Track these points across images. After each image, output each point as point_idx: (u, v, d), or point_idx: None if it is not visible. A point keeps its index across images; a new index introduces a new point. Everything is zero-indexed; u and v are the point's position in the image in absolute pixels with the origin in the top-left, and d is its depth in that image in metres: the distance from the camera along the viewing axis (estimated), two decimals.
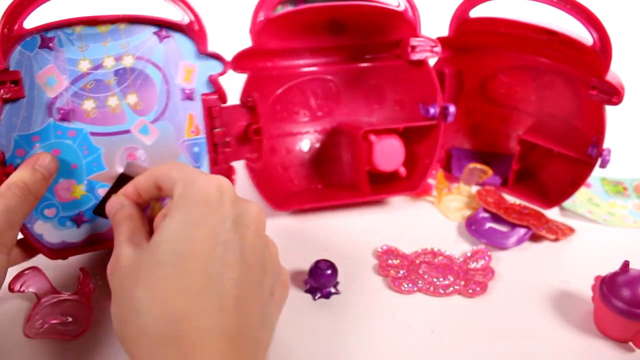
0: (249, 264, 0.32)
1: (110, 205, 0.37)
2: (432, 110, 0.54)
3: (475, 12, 0.57)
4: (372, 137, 0.54)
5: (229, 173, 0.49)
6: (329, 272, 0.44)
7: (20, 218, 0.37)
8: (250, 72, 0.50)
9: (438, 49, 0.54)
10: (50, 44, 0.40)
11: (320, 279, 0.44)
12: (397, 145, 0.55)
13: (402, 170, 0.56)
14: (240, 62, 0.49)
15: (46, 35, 0.39)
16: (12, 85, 0.38)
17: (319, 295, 0.44)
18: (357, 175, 0.56)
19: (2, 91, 0.38)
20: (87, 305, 0.42)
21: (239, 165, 0.51)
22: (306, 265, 0.46)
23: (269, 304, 0.33)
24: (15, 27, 0.38)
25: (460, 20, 0.57)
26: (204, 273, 0.30)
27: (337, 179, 0.59)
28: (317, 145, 0.59)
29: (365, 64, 0.57)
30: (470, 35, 0.58)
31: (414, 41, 0.53)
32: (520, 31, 0.56)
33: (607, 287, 0.41)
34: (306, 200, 0.56)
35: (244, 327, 0.30)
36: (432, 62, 0.60)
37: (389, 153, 0.55)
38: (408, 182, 0.57)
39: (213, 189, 0.33)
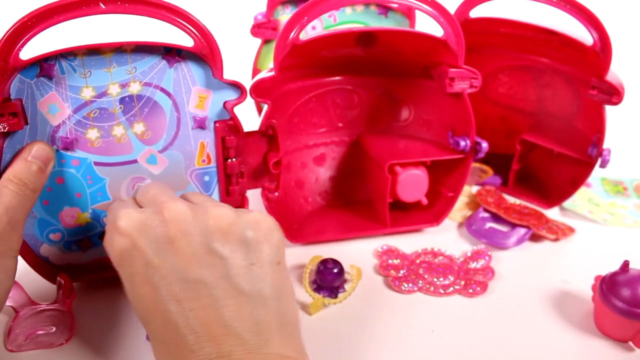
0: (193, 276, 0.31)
1: None
2: (462, 143, 0.50)
3: (475, 12, 0.57)
4: (398, 169, 0.51)
5: (242, 204, 0.47)
6: (335, 270, 0.45)
7: (22, 217, 0.36)
8: (272, 101, 0.46)
9: (478, 82, 0.48)
10: (51, 72, 0.38)
11: (327, 277, 0.44)
12: (422, 176, 0.52)
13: (424, 200, 0.53)
14: (261, 90, 0.45)
15: (46, 62, 0.37)
16: (11, 117, 0.36)
17: (325, 293, 0.45)
18: (379, 205, 0.53)
19: (0, 125, 0.36)
20: (70, 313, 0.41)
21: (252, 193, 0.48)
22: (307, 262, 0.46)
23: (255, 280, 0.32)
24: (11, 59, 0.35)
25: (461, 20, 0.57)
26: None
27: (355, 195, 0.56)
28: (335, 157, 0.56)
29: (393, 79, 0.54)
30: (470, 35, 0.58)
31: (453, 72, 0.48)
32: (520, 31, 0.56)
33: (607, 286, 0.41)
34: (322, 229, 0.52)
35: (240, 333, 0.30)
36: None
37: (413, 184, 0.52)
38: (430, 213, 0.54)
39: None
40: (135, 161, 0.42)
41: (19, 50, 0.35)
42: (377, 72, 0.53)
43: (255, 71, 0.61)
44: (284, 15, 0.59)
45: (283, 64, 0.45)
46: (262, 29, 0.59)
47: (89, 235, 0.43)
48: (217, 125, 0.43)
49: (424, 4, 0.45)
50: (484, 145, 0.50)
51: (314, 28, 0.60)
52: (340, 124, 0.55)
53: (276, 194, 0.49)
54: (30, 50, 0.36)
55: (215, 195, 0.46)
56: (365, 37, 0.49)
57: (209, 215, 0.33)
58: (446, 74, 0.48)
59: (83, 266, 0.44)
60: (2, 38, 0.34)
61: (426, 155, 0.52)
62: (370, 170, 0.55)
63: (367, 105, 0.55)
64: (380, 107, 0.55)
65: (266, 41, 0.60)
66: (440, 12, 0.46)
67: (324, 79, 0.53)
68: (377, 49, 0.50)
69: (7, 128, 0.36)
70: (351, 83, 0.54)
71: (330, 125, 0.55)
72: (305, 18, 0.44)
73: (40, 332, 0.40)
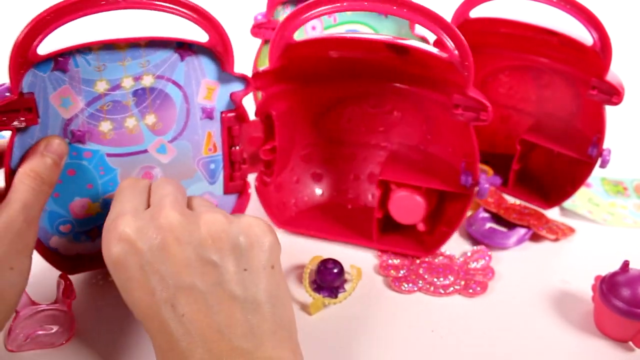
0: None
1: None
2: (463, 178, 0.46)
3: (475, 12, 0.57)
4: (393, 187, 0.49)
5: (244, 188, 0.48)
6: (335, 270, 0.45)
7: (37, 213, 0.36)
8: (265, 91, 0.47)
9: (487, 116, 0.43)
10: (65, 66, 0.37)
11: (327, 277, 0.45)
12: (415, 201, 0.48)
13: (420, 226, 0.51)
14: (262, 82, 0.46)
15: (61, 57, 0.37)
16: (26, 112, 0.36)
17: (325, 293, 0.45)
18: (370, 219, 0.51)
19: (16, 121, 0.36)
20: (70, 313, 0.41)
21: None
22: (307, 262, 0.46)
23: (248, 285, 0.32)
24: (29, 54, 0.35)
25: (461, 20, 0.57)
26: None
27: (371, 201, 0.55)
28: (366, 159, 0.55)
29: (425, 92, 0.49)
30: (470, 35, 0.57)
31: (458, 99, 0.43)
32: (520, 31, 0.56)
33: (607, 286, 0.41)
34: (314, 225, 0.52)
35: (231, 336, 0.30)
36: None
37: (405, 207, 0.49)
38: (426, 240, 0.50)
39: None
40: (145, 151, 0.43)
41: (37, 45, 0.35)
42: (412, 82, 0.50)
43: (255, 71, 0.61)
44: (284, 15, 0.59)
45: (282, 61, 0.45)
46: (262, 29, 0.59)
47: (98, 225, 0.43)
48: (224, 115, 0.44)
49: (435, 24, 0.42)
50: (486, 186, 0.45)
51: (313, 28, 0.60)
52: (382, 129, 0.54)
53: (271, 179, 0.50)
54: (47, 47, 0.36)
55: (220, 181, 0.47)
56: (394, 46, 0.46)
57: (201, 222, 0.33)
58: (451, 98, 0.44)
59: (92, 256, 0.44)
60: (21, 34, 0.34)
61: (421, 181, 0.49)
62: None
63: (404, 115, 0.53)
64: (414, 118, 0.52)
65: (266, 41, 0.60)
66: (447, 31, 0.42)
67: (353, 82, 0.51)
68: (409, 59, 0.47)
69: (24, 123, 0.36)
70: (383, 90, 0.51)
71: (369, 128, 0.54)
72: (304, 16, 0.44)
73: (40, 332, 0.40)
